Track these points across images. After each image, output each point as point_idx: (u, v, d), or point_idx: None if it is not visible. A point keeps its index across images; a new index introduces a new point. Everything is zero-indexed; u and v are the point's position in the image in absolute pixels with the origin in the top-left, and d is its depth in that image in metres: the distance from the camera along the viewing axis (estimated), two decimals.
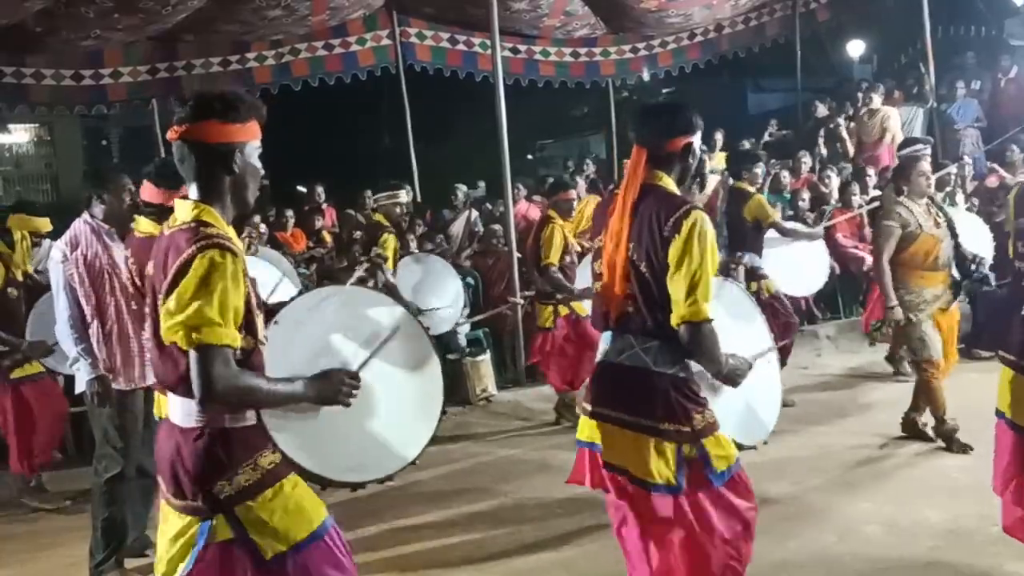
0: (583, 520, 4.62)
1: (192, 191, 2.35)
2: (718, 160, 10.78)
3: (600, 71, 11.44)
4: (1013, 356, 3.41)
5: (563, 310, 6.37)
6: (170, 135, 2.33)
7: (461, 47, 10.60)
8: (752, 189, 6.71)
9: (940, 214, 5.39)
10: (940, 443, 5.46)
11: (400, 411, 2.70)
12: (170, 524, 2.37)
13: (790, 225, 6.98)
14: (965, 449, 5.23)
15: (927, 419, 5.57)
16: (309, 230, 9.54)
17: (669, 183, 2.81)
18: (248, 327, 2.29)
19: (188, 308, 2.16)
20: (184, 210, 2.32)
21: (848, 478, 5.10)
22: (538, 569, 4.23)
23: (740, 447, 3.05)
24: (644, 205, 2.74)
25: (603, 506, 3.14)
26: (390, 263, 6.03)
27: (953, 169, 8.90)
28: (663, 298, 2.69)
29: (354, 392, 2.46)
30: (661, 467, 2.70)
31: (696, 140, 2.85)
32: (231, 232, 2.32)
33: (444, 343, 7.55)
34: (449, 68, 10.64)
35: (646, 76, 11.53)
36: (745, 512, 2.80)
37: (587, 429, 2.91)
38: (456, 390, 7.46)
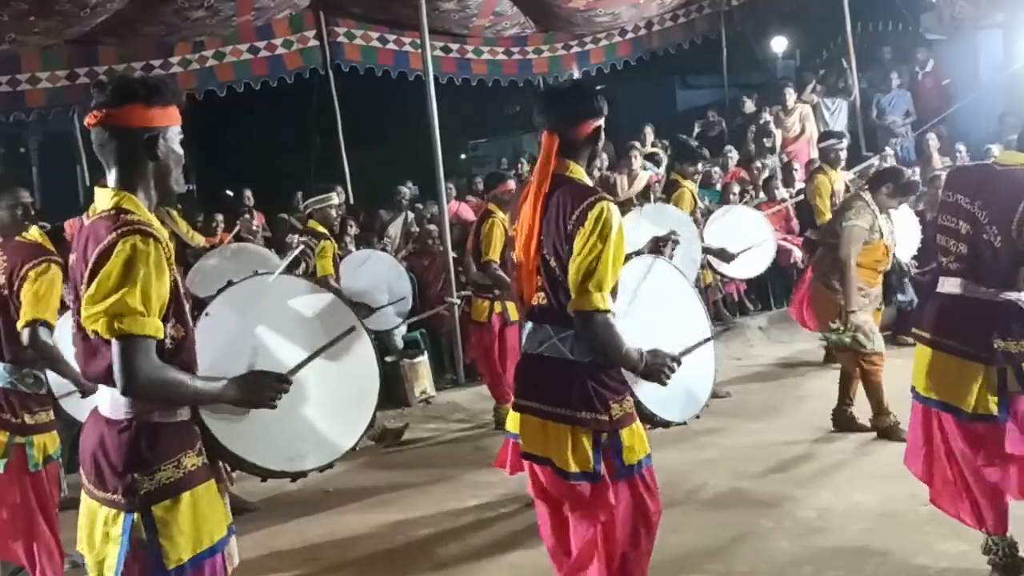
0: (527, 518, 4.61)
1: (111, 178, 2.27)
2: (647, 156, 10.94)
3: (532, 69, 11.47)
4: (926, 332, 3.55)
5: (498, 307, 6.37)
6: (88, 120, 2.25)
7: (391, 46, 10.51)
8: (685, 182, 6.89)
9: (890, 221, 5.53)
10: (858, 427, 5.62)
11: (337, 400, 2.66)
12: (90, 515, 2.30)
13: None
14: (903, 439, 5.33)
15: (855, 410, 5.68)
16: (238, 234, 9.35)
17: (580, 173, 2.80)
18: (178, 315, 2.24)
19: (110, 297, 2.10)
20: (104, 198, 2.25)
21: (783, 466, 5.21)
22: (479, 568, 4.23)
23: (669, 424, 3.07)
24: (554, 197, 2.73)
25: None
26: (330, 268, 5.95)
27: (875, 161, 9.15)
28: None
29: (281, 396, 2.41)
30: (579, 456, 2.70)
31: (602, 123, 2.84)
32: (154, 219, 2.26)
33: (381, 345, 7.51)
34: (380, 68, 10.54)
35: (577, 73, 11.59)
36: (651, 513, 2.79)
37: (512, 421, 2.92)
38: (394, 392, 7.41)
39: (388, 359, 7.53)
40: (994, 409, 3.34)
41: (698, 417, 3.21)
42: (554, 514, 2.90)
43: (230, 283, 2.67)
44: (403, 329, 7.63)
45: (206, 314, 2.50)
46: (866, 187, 5.63)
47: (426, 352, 7.74)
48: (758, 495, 4.80)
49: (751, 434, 5.89)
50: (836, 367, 7.23)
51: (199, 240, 7.15)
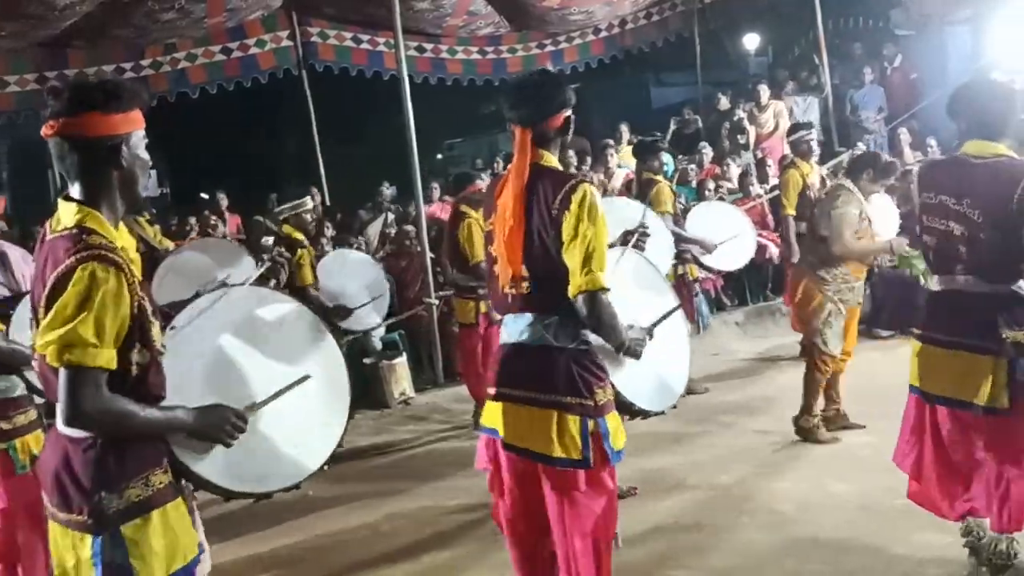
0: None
1: (75, 191, 2.17)
2: (624, 154, 10.97)
3: (507, 68, 11.47)
4: (930, 331, 3.53)
5: (483, 307, 6.34)
6: (44, 131, 2.14)
7: (366, 46, 10.48)
8: (658, 178, 6.89)
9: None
10: (849, 424, 5.59)
11: (305, 419, 2.62)
12: (57, 541, 2.22)
13: (674, 228, 6.98)
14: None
15: (832, 407, 5.64)
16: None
17: (553, 161, 2.84)
18: (143, 340, 2.16)
19: (63, 326, 2.03)
20: (67, 213, 2.15)
21: (761, 461, 5.25)
22: (463, 570, 4.23)
23: (647, 414, 3.11)
24: (533, 186, 2.75)
25: None
26: (310, 277, 5.92)
27: (846, 157, 9.24)
28: (559, 274, 2.70)
29: (237, 434, 2.34)
30: (566, 442, 2.71)
31: (571, 112, 2.86)
32: (120, 234, 2.18)
33: (359, 346, 7.49)
34: (354, 67, 10.50)
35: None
36: (614, 500, 2.84)
37: (488, 414, 2.91)
38: (373, 394, 7.40)
39: (367, 360, 7.52)
40: (1006, 402, 3.32)
41: (675, 407, 3.24)
42: (524, 507, 2.88)
43: (197, 294, 2.63)
44: (381, 330, 7.61)
45: (171, 327, 2.45)
46: (846, 176, 5.58)
47: (405, 353, 7.72)
48: (736, 490, 4.83)
49: (729, 429, 5.92)
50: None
51: (168, 245, 7.10)
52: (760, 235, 8.89)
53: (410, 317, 7.80)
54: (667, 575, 3.91)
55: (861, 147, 9.91)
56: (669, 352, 3.20)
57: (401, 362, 7.58)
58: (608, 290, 2.69)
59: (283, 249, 5.80)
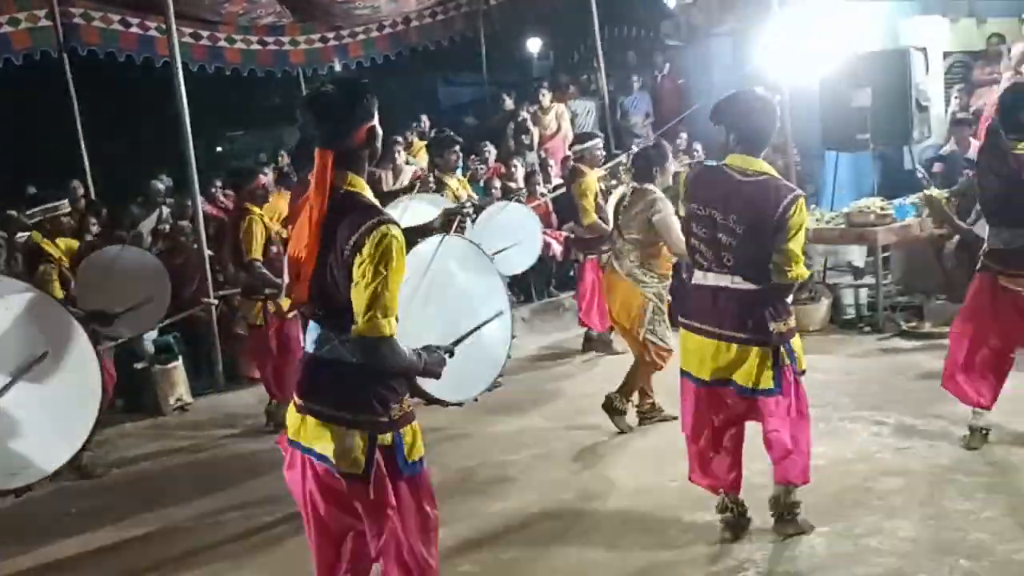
0: (297, 523, 4.50)
1: None
2: (416, 151, 10.97)
3: (289, 60, 11.15)
4: (702, 323, 3.80)
5: (271, 306, 6.11)
6: None
7: (135, 30, 9.80)
8: (448, 179, 6.94)
9: None
10: (666, 416, 5.64)
11: (49, 418, 2.42)
12: None
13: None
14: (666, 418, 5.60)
15: (646, 402, 5.74)
16: None
17: (360, 185, 2.68)
18: None
19: None
20: None
21: (547, 451, 5.40)
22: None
23: (446, 404, 3.14)
24: (332, 217, 2.60)
25: None
26: (58, 292, 5.47)
27: (624, 159, 9.72)
28: (349, 309, 2.60)
29: None
30: (355, 456, 2.66)
31: (377, 121, 2.73)
32: None
33: (129, 350, 7.01)
34: (123, 52, 9.79)
35: (338, 66, 11.41)
36: (431, 514, 2.81)
37: (292, 423, 2.81)
38: (144, 401, 6.96)
39: (138, 365, 7.05)
40: (771, 384, 3.69)
41: (490, 390, 3.28)
42: (325, 513, 2.80)
43: None
44: (154, 333, 7.16)
45: None
46: (638, 182, 5.60)
47: (181, 357, 7.30)
48: (521, 480, 4.95)
49: (516, 421, 6.06)
50: (595, 355, 7.66)
51: None
52: (545, 233, 9.17)
53: (187, 318, 7.37)
54: (456, 563, 3.93)
55: (636, 150, 10.43)
56: (485, 342, 3.20)
57: (177, 366, 7.16)
58: (393, 336, 2.59)
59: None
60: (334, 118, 2.63)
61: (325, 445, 2.69)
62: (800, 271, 3.64)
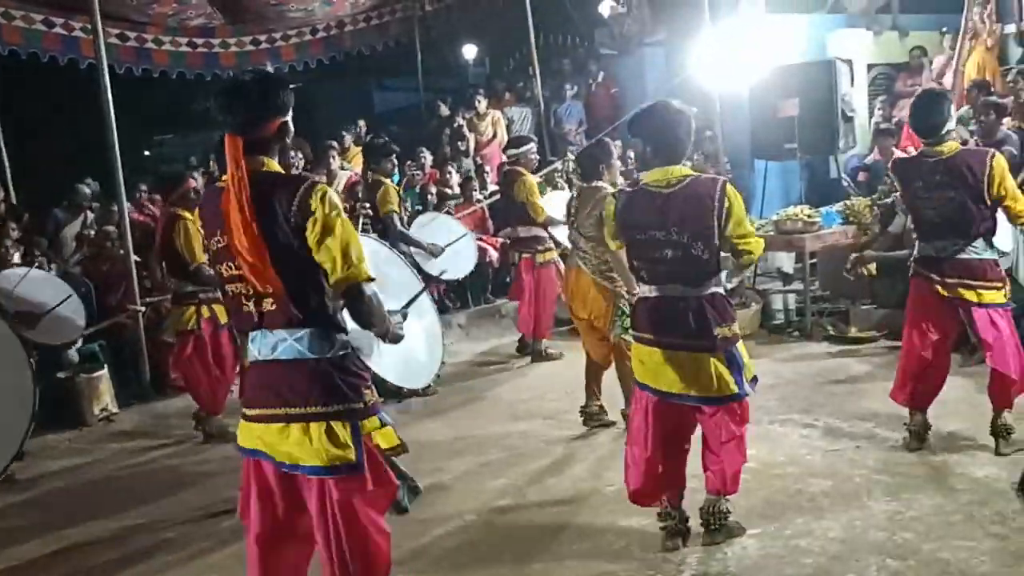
0: (223, 536, 4.40)
1: None
2: (351, 156, 10.87)
3: (220, 63, 10.95)
4: (651, 334, 3.78)
5: (205, 311, 5.97)
6: None
7: (59, 30, 9.52)
8: (386, 180, 6.93)
9: None
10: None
11: None
12: None
13: (401, 229, 7.07)
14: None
15: (594, 404, 5.71)
16: None
17: (275, 166, 2.72)
18: None
19: None
20: None
21: (484, 458, 5.37)
22: None
23: (401, 392, 3.15)
24: (262, 197, 2.60)
25: None
26: None
27: (559, 165, 9.81)
28: (311, 284, 2.63)
29: None
30: (335, 449, 2.64)
31: (290, 118, 2.75)
32: None
33: (52, 360, 6.79)
34: (46, 53, 9.52)
35: (270, 70, 11.25)
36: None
37: (246, 434, 2.76)
38: (69, 412, 6.73)
39: (61, 375, 6.83)
40: (735, 388, 3.67)
41: (439, 375, 3.27)
42: (274, 525, 2.78)
43: None
44: (78, 341, 6.95)
45: None
46: (584, 180, 5.64)
47: (106, 366, 7.09)
48: (459, 487, 4.92)
49: (452, 428, 6.02)
50: (531, 361, 7.66)
51: None
52: (481, 240, 9.17)
53: (112, 326, 7.17)
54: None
55: (571, 156, 10.51)
56: (423, 332, 3.28)
57: (102, 375, 6.95)
58: (373, 279, 2.65)
59: None
60: (248, 106, 2.67)
61: (301, 449, 2.66)
62: (758, 244, 3.74)
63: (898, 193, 4.88)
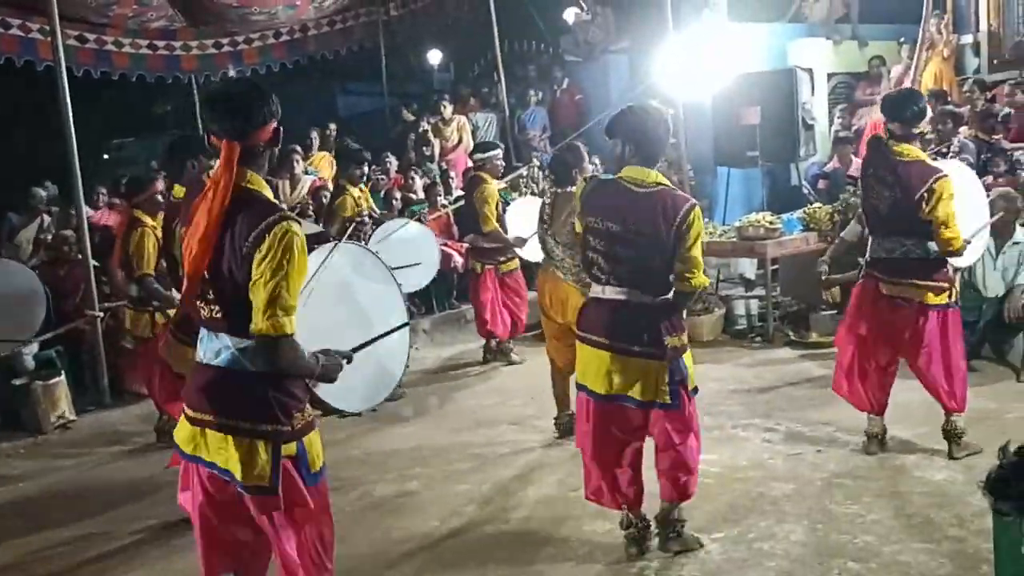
0: (182, 545, 4.34)
1: None
2: (317, 161, 10.79)
3: (181, 65, 10.82)
4: (598, 336, 3.78)
5: (160, 318, 5.89)
6: None
7: (16, 32, 9.33)
8: (350, 188, 6.87)
9: None
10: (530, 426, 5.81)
11: None
12: None
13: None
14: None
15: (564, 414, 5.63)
16: None
17: (259, 183, 2.67)
18: None
19: None
20: None
21: (449, 465, 5.35)
22: None
23: (343, 414, 3.10)
24: (232, 213, 2.56)
25: None
26: None
27: (524, 171, 9.83)
28: (248, 308, 2.55)
29: None
30: (253, 468, 2.61)
31: (278, 124, 2.72)
32: None
33: (7, 366, 6.66)
34: (3, 55, 9.33)
35: (232, 73, 11.13)
36: (330, 523, 2.81)
37: (184, 433, 2.72)
38: (24, 419, 6.60)
39: (16, 381, 6.70)
40: (667, 398, 3.70)
41: (374, 410, 3.25)
42: (219, 527, 2.75)
43: None
44: (34, 347, 6.81)
45: None
46: (559, 186, 5.58)
47: (63, 372, 6.96)
48: (424, 494, 4.89)
49: (416, 435, 5.99)
50: (496, 366, 7.66)
51: None
52: (445, 245, 9.14)
53: (70, 331, 7.04)
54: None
55: (536, 163, 10.54)
56: (379, 357, 3.18)
57: (59, 382, 6.80)
58: (291, 335, 2.55)
59: None
60: (245, 112, 2.63)
61: (228, 459, 2.63)
62: (702, 278, 3.71)
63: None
